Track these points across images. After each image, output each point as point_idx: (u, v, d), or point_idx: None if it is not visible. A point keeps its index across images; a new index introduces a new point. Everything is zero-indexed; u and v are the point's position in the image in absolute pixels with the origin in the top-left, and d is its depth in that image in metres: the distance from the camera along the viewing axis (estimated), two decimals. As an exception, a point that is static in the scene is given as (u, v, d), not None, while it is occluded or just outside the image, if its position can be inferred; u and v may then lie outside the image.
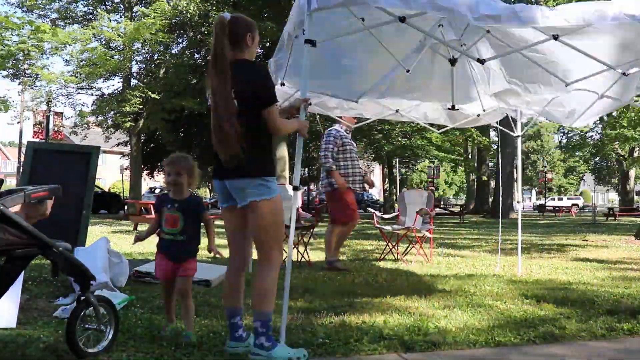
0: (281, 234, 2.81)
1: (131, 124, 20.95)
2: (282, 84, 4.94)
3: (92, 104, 22.04)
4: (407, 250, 7.34)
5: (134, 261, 5.44)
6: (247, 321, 3.11)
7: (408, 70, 4.71)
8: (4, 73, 20.29)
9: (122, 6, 22.54)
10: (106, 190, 32.86)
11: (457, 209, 29.11)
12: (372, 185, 6.79)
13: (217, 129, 2.66)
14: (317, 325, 3.35)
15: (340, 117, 6.23)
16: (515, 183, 7.04)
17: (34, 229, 2.57)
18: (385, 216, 8.63)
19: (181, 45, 22.85)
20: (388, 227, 7.31)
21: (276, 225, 2.74)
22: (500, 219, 7.26)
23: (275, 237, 2.75)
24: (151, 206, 12.83)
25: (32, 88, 21.32)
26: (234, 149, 2.63)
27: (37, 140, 22.79)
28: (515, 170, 23.77)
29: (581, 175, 63.32)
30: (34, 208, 2.79)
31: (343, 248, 8.80)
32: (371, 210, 9.79)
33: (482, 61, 3.86)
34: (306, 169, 34.60)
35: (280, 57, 4.60)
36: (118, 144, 27.00)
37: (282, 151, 18.34)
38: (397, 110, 6.24)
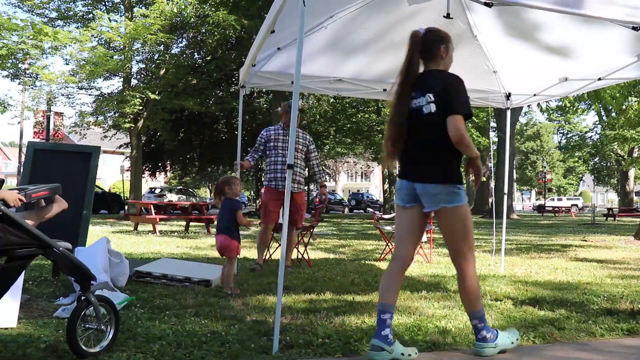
0: (472, 237, 2.96)
1: (131, 124, 20.93)
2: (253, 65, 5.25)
3: (93, 102, 22.04)
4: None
5: (134, 261, 5.44)
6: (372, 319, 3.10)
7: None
8: (4, 73, 20.28)
9: (122, 6, 22.54)
10: (107, 190, 32.90)
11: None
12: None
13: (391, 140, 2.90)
14: (317, 325, 3.35)
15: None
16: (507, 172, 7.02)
17: (34, 229, 2.58)
18: (385, 216, 8.64)
19: (181, 45, 22.86)
20: (388, 227, 7.31)
21: (468, 228, 2.91)
22: (493, 220, 7.28)
23: (469, 240, 2.91)
24: (151, 206, 12.83)
25: (32, 88, 21.31)
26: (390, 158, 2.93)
27: (37, 140, 22.81)
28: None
29: (580, 175, 63.37)
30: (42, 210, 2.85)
31: (343, 248, 8.82)
32: (371, 210, 9.80)
33: (489, 4, 3.85)
34: (306, 169, 34.56)
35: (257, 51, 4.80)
36: (120, 146, 27.02)
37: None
38: (384, 90, 6.22)
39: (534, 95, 6.29)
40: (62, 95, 21.82)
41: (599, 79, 5.41)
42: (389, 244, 7.14)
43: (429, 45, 2.94)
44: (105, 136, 24.12)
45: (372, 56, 5.71)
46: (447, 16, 4.63)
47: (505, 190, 6.76)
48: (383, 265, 6.57)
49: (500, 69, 5.89)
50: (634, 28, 3.61)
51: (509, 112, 6.64)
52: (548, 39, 4.90)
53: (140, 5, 22.03)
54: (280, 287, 2.98)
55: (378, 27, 5.17)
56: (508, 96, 6.34)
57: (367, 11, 4.83)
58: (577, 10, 3.12)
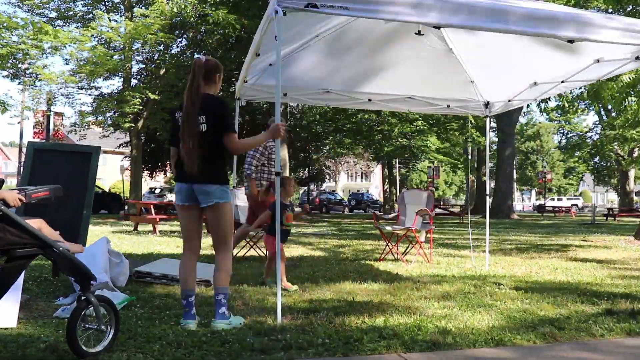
0: (232, 228, 3.58)
1: (130, 125, 20.92)
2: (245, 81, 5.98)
3: (93, 102, 22.03)
4: (407, 251, 7.35)
5: (134, 261, 5.44)
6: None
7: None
8: (4, 73, 20.26)
9: (121, 6, 22.53)
10: (107, 190, 32.88)
11: (457, 209, 29.11)
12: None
13: (184, 145, 3.28)
14: (317, 325, 3.35)
15: None
16: (484, 167, 7.81)
17: (34, 228, 2.58)
18: (385, 216, 8.63)
19: (181, 45, 22.83)
20: (388, 228, 7.31)
21: (231, 221, 3.51)
22: (469, 219, 7.39)
23: (231, 230, 3.49)
24: (151, 206, 12.82)
25: (32, 88, 21.30)
26: (194, 162, 3.26)
27: (37, 140, 22.80)
28: (511, 167, 23.99)
29: (581, 175, 63.29)
30: None
31: (343, 248, 8.83)
32: (371, 210, 9.82)
33: (438, 27, 4.40)
34: (306, 169, 34.56)
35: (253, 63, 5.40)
36: (119, 146, 27.03)
37: (282, 153, 18.34)
38: (369, 100, 6.86)
39: (509, 100, 6.71)
40: (62, 95, 21.83)
41: (562, 82, 5.89)
42: (389, 244, 7.14)
43: (209, 72, 3.40)
44: (105, 135, 24.11)
45: (356, 70, 6.38)
46: (418, 33, 5.32)
47: (488, 192, 7.58)
48: (383, 265, 6.57)
49: (477, 79, 6.42)
50: (569, 41, 4.05)
51: (488, 120, 7.11)
52: (516, 49, 5.37)
53: (140, 5, 22.01)
54: (278, 272, 2.96)
55: (360, 44, 5.83)
56: (487, 104, 6.82)
57: (350, 31, 5.38)
58: (506, 27, 3.68)
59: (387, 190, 32.27)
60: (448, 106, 6.97)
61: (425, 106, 7.10)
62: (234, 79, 23.44)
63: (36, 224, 2.74)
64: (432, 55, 5.98)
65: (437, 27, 4.31)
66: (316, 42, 5.49)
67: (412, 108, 7.35)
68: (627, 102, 14.68)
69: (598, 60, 5.23)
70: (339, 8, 3.44)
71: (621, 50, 4.78)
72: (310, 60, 5.88)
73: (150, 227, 12.43)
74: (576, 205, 45.76)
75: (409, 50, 5.89)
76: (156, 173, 29.05)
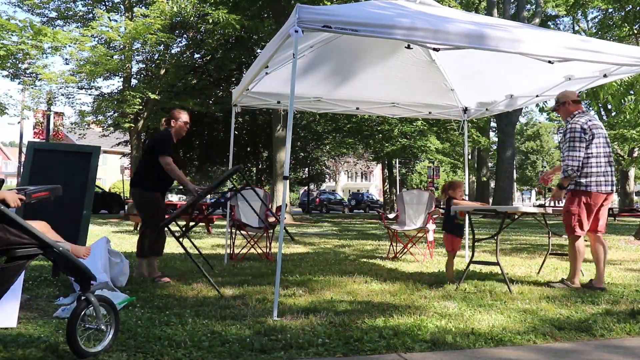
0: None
1: (130, 124, 20.92)
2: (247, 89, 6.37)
3: (93, 102, 22.03)
4: (404, 250, 7.34)
5: (134, 261, 5.44)
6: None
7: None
8: (4, 73, 20.26)
9: (122, 6, 22.51)
10: (107, 190, 32.89)
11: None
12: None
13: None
14: (317, 325, 3.35)
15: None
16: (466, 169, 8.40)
17: (34, 229, 2.58)
18: (390, 215, 8.66)
19: (181, 45, 22.82)
20: (395, 227, 7.32)
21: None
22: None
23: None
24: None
25: (32, 88, 21.29)
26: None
27: (37, 140, 22.79)
28: (509, 168, 24.18)
29: (581, 175, 63.16)
30: None
31: (344, 248, 8.81)
32: (371, 210, 9.87)
33: (437, 49, 4.64)
34: (306, 169, 34.53)
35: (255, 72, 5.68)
36: (118, 144, 27.03)
37: (281, 155, 18.32)
38: (357, 108, 7.45)
39: (486, 109, 7.21)
40: (62, 95, 21.82)
41: (537, 96, 6.39)
42: (395, 244, 7.18)
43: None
44: (104, 135, 24.11)
45: (345, 79, 6.79)
46: (408, 47, 5.65)
47: (467, 191, 7.85)
48: (383, 265, 6.57)
49: (457, 87, 6.93)
50: (549, 62, 4.43)
51: (466, 124, 7.63)
52: (494, 63, 5.72)
53: (140, 5, 21.99)
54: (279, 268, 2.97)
55: (349, 55, 6.24)
56: (465, 110, 7.37)
57: (340, 43, 5.76)
58: (493, 47, 4.08)
59: (387, 190, 32.27)
60: (429, 112, 7.50)
61: (409, 112, 7.59)
62: (233, 79, 23.43)
63: (40, 226, 2.73)
64: (416, 65, 6.40)
65: (436, 50, 4.64)
66: (310, 51, 5.90)
67: (396, 114, 7.80)
68: (626, 102, 14.65)
69: (570, 78, 5.65)
70: (350, 30, 3.88)
71: (589, 68, 5.23)
72: (302, 70, 6.24)
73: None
74: (576, 205, 45.63)
75: (395, 60, 6.34)
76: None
